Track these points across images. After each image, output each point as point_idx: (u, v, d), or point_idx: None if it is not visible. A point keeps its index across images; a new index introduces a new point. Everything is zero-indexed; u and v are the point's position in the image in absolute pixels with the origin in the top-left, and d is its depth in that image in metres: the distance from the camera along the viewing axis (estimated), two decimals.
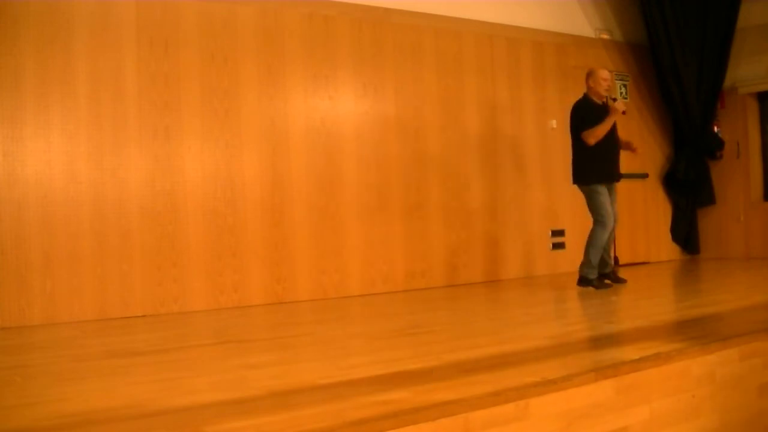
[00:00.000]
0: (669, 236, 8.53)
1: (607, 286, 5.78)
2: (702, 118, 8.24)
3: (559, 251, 7.40)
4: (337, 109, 6.10)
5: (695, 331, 3.63)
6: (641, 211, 8.27)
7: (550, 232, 7.37)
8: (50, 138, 4.94)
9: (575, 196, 7.67)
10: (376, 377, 2.89)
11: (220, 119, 5.54)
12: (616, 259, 7.96)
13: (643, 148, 8.30)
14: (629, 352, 3.10)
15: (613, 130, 5.72)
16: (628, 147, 6.05)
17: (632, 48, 8.28)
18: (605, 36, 8.06)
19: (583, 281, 5.78)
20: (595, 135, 5.65)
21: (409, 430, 2.24)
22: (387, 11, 6.37)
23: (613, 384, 2.82)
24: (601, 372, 2.81)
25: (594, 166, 5.77)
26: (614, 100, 5.73)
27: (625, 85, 8.18)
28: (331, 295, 5.96)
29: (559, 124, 7.46)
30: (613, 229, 5.86)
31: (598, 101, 5.77)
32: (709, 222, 8.58)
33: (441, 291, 6.32)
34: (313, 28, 5.99)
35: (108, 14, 5.16)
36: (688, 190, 8.41)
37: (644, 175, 8.31)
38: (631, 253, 8.14)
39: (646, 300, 5.33)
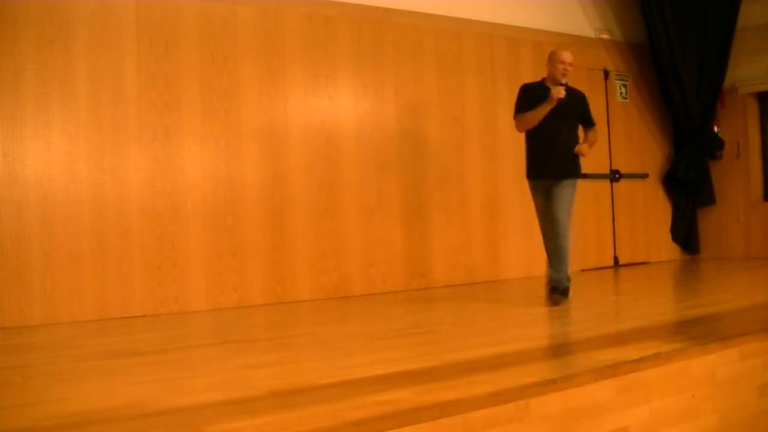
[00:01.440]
0: (669, 236, 8.53)
1: (548, 300, 5.00)
2: (702, 118, 8.24)
3: None
4: (337, 109, 6.10)
5: (695, 331, 3.63)
6: (641, 211, 8.27)
7: None
8: (50, 138, 4.94)
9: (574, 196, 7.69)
10: (376, 377, 2.89)
11: (220, 119, 5.54)
12: (616, 259, 7.97)
13: (643, 148, 8.34)
14: (629, 352, 3.10)
15: (556, 122, 4.92)
16: (579, 149, 5.08)
17: (632, 48, 8.28)
18: (605, 36, 8.06)
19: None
20: (523, 121, 5.03)
21: (409, 430, 2.25)
22: (387, 11, 6.36)
23: (613, 384, 2.83)
24: (601, 372, 2.81)
25: (527, 157, 5.20)
26: (564, 85, 4.92)
27: (625, 85, 8.19)
28: (331, 295, 5.96)
29: None
30: (558, 237, 4.95)
31: (553, 87, 4.97)
32: (709, 222, 8.58)
33: (441, 291, 6.32)
34: (313, 28, 5.99)
35: (108, 14, 5.15)
36: (688, 190, 8.41)
37: (644, 175, 8.32)
38: (631, 253, 8.14)
39: (646, 300, 5.33)
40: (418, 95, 6.53)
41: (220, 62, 5.57)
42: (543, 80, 5.14)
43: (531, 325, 4.32)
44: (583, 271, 7.59)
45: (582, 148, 5.08)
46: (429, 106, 6.61)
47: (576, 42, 7.70)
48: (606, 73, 7.98)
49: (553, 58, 5.06)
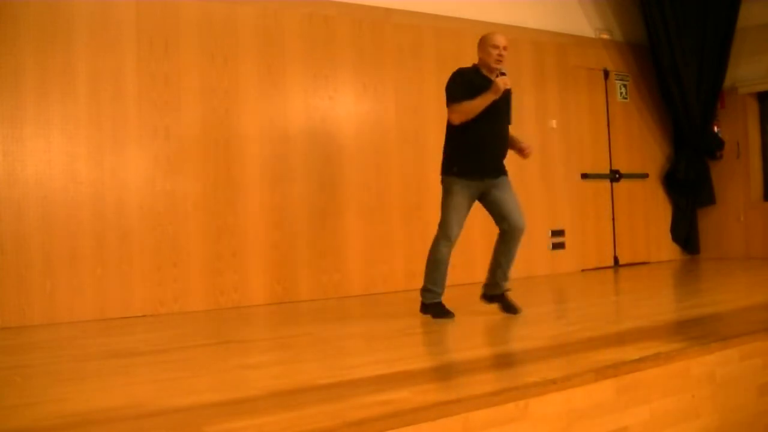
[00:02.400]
0: (669, 236, 8.53)
1: (447, 314, 4.48)
2: (702, 118, 8.24)
3: (559, 251, 7.40)
4: (337, 109, 6.10)
5: (695, 331, 3.63)
6: (641, 211, 8.27)
7: (550, 232, 7.37)
8: (50, 138, 4.94)
9: (574, 195, 7.71)
10: (376, 377, 2.88)
11: (220, 119, 5.54)
12: (616, 259, 7.96)
13: (643, 148, 8.33)
14: (629, 352, 3.10)
15: (496, 115, 4.45)
16: (518, 148, 4.78)
17: (632, 48, 8.28)
18: (605, 36, 8.06)
19: (422, 307, 4.58)
20: (461, 112, 4.41)
21: (409, 430, 2.25)
22: (387, 11, 6.36)
23: (613, 384, 2.83)
24: (601, 372, 2.81)
25: (457, 153, 4.54)
26: (503, 74, 4.40)
27: (625, 85, 8.18)
28: (331, 295, 5.96)
29: (559, 124, 7.47)
30: (514, 240, 4.64)
31: (489, 75, 4.49)
32: (709, 222, 8.58)
33: None
34: (313, 28, 5.99)
35: (108, 14, 5.15)
36: (688, 190, 8.41)
37: (644, 175, 8.31)
38: (631, 253, 8.14)
39: (646, 300, 5.33)
40: (418, 95, 6.53)
41: (220, 62, 5.56)
42: (475, 67, 4.57)
43: (531, 325, 4.32)
44: (583, 271, 7.60)
45: (527, 148, 4.76)
46: (429, 106, 6.60)
47: (576, 42, 7.70)
48: (606, 73, 7.98)
49: (484, 43, 4.48)
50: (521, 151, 4.74)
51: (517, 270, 7.08)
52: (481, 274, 6.79)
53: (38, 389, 2.93)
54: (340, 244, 6.03)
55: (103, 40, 5.13)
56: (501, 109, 4.48)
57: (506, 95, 4.48)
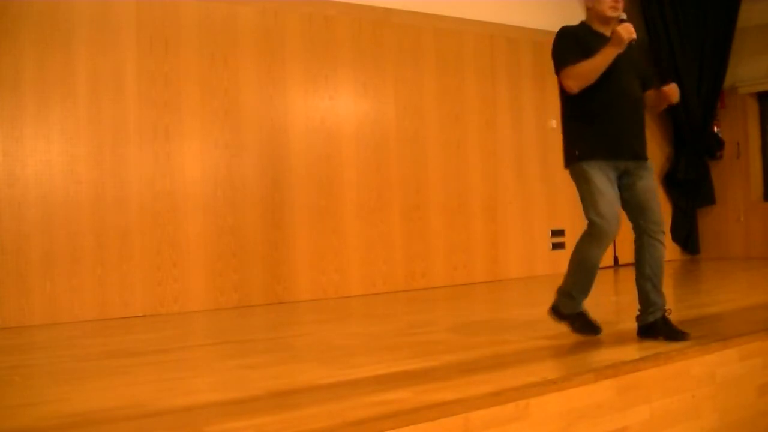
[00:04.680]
0: (669, 236, 8.53)
1: (591, 329, 3.70)
2: (702, 118, 8.25)
3: (559, 251, 7.38)
4: (337, 109, 6.10)
5: (695, 331, 3.63)
6: None
7: (550, 232, 7.36)
8: (50, 138, 4.94)
9: (574, 195, 7.67)
10: (376, 377, 2.89)
11: (220, 119, 5.54)
12: (616, 259, 7.95)
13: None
14: (629, 352, 3.10)
15: (623, 75, 3.47)
16: (662, 92, 3.57)
17: None
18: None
19: (554, 312, 3.74)
20: (578, 75, 3.45)
21: (409, 430, 2.25)
22: (387, 11, 6.37)
23: (613, 384, 2.83)
24: (601, 372, 2.81)
25: (578, 131, 3.64)
26: (623, 20, 3.46)
27: None
28: (331, 295, 5.96)
29: (559, 124, 7.47)
30: (657, 240, 3.79)
31: (602, 30, 3.57)
32: (709, 222, 8.58)
33: (441, 291, 6.32)
34: (313, 28, 5.99)
35: (108, 14, 5.16)
36: (688, 190, 8.41)
37: None
38: (632, 253, 8.11)
39: None
40: (418, 95, 6.53)
41: (220, 62, 5.56)
42: (583, 24, 3.69)
43: (531, 325, 4.32)
44: None
45: (672, 90, 3.52)
46: (429, 106, 6.61)
47: None
48: None
49: None
50: (665, 96, 3.57)
51: (517, 270, 7.13)
52: (481, 275, 6.87)
53: (38, 389, 2.93)
54: (340, 244, 6.03)
55: (103, 40, 5.13)
56: (630, 68, 3.51)
57: (633, 50, 3.50)
